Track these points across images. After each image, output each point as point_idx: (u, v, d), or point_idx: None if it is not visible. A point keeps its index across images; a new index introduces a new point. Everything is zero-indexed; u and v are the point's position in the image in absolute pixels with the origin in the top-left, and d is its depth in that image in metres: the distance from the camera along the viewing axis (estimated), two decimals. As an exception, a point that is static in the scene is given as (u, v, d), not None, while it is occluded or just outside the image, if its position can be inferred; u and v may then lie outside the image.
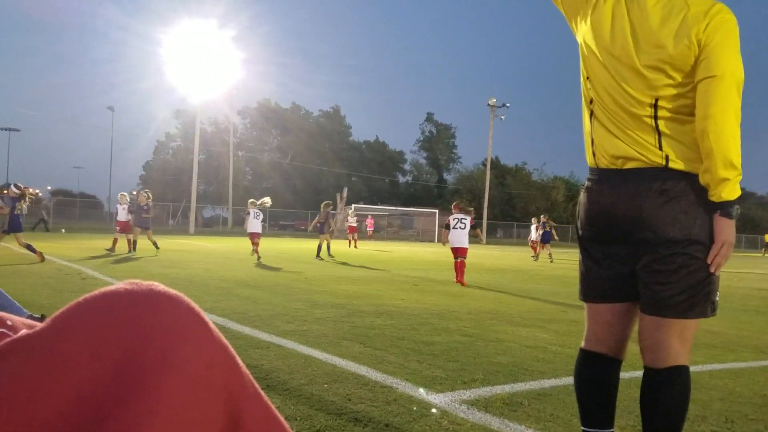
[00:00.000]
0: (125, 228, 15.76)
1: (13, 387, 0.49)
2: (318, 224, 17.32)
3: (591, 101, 2.06)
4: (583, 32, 2.07)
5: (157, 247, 15.60)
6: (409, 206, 61.65)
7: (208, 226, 57.82)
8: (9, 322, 0.89)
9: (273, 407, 0.61)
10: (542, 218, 23.17)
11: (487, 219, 50.01)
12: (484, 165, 58.88)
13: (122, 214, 16.10)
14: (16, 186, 12.72)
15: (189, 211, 39.50)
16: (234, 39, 43.67)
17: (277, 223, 56.37)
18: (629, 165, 1.95)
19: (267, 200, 16.10)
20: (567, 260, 22.14)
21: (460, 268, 10.47)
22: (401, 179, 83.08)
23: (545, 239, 22.41)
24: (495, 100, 51.32)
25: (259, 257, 14.83)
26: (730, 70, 1.81)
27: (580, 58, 2.10)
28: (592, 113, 2.07)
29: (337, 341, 4.68)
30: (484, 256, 23.68)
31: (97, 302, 0.56)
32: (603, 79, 1.98)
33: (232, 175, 49.63)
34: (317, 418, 2.81)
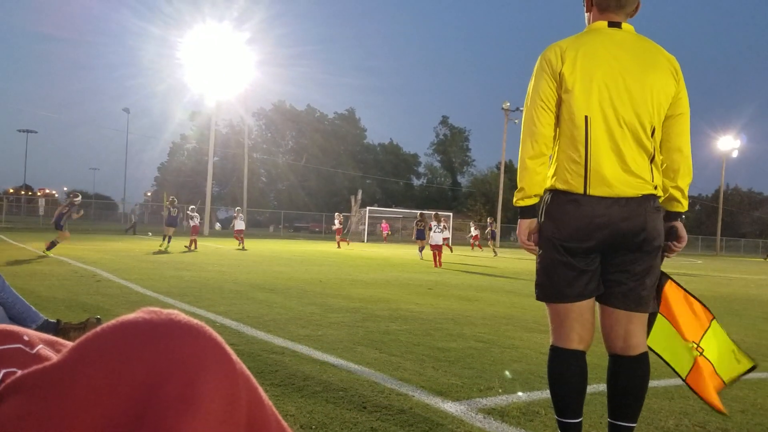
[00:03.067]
0: (196, 231, 21.48)
1: (28, 425, 0.47)
2: (418, 230, 21.79)
3: (587, 129, 2.26)
4: (583, 68, 2.27)
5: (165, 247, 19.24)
6: (423, 209, 61.50)
7: (223, 228, 58.04)
8: (26, 337, 0.87)
9: None
10: (489, 220, 32.92)
11: (501, 223, 49.75)
12: (498, 168, 58.63)
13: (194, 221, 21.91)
14: None
15: (203, 212, 39.68)
16: (249, 41, 43.70)
17: (292, 225, 56.53)
18: (636, 191, 2.25)
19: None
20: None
21: (438, 257, 17.04)
22: (415, 182, 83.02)
23: (493, 236, 31.19)
24: (509, 103, 50.98)
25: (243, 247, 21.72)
26: (689, 109, 2.34)
27: (574, 96, 2.27)
28: (588, 140, 2.26)
29: (352, 347, 4.65)
30: (498, 259, 23.57)
31: (113, 334, 0.53)
32: (618, 106, 2.23)
33: (246, 176, 49.80)
34: (332, 427, 2.79)
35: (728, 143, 59.87)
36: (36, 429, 0.47)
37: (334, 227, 30.88)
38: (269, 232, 53.92)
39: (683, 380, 2.56)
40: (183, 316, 0.56)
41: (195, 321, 0.55)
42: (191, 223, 21.97)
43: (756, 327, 7.01)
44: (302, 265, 14.39)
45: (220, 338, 0.55)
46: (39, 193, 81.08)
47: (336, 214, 31.94)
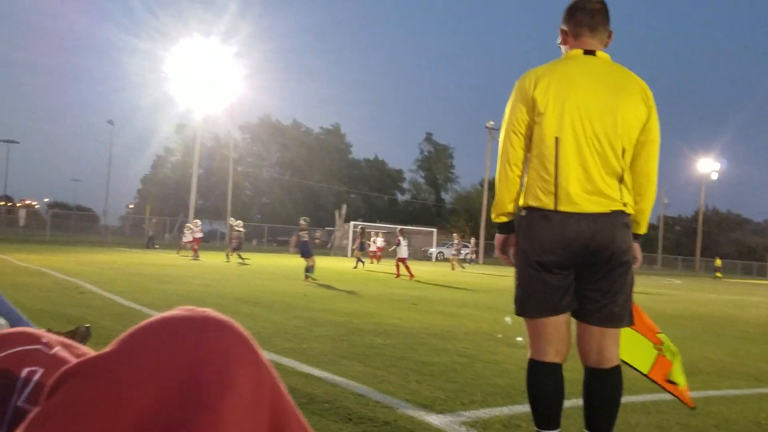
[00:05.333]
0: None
1: (82, 407, 0.55)
2: (360, 243, 24.00)
3: (556, 150, 2.36)
4: (556, 93, 2.38)
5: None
6: (407, 224, 61.71)
7: (206, 241, 57.71)
8: (44, 339, 0.94)
9: (307, 423, 0.67)
10: (454, 235, 32.73)
11: (485, 239, 50.04)
12: (481, 185, 59.06)
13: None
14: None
15: (184, 225, 39.46)
16: (236, 55, 43.74)
17: (275, 239, 56.35)
18: (604, 209, 2.35)
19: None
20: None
21: (406, 269, 18.14)
22: (400, 197, 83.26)
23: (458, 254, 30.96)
24: (493, 122, 51.64)
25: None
26: (659, 136, 2.46)
27: (545, 118, 2.38)
28: (557, 157, 2.37)
29: (336, 360, 4.71)
30: (481, 276, 23.70)
31: (158, 327, 0.62)
32: (587, 128, 2.34)
33: (231, 190, 49.73)
34: (319, 437, 2.85)
35: (708, 165, 60.86)
36: (94, 409, 0.54)
37: (185, 239, 26.20)
38: (253, 245, 53.68)
39: (645, 375, 2.70)
40: (215, 313, 0.65)
41: (226, 317, 0.64)
42: (194, 236, 23.77)
43: (733, 346, 7.15)
44: (286, 279, 14.40)
45: (246, 332, 0.64)
46: (19, 204, 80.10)
47: (187, 225, 27.58)
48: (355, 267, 22.90)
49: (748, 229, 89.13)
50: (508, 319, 2.98)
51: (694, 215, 78.49)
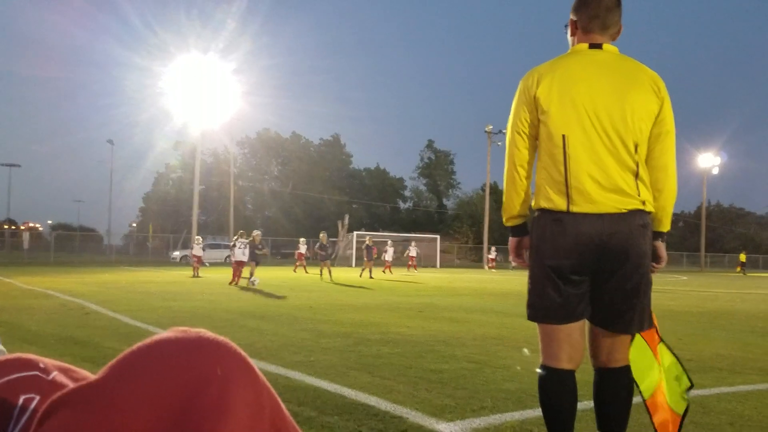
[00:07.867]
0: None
1: None
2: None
3: (565, 148, 2.29)
4: (561, 88, 2.32)
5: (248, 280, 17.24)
6: (410, 232, 61.63)
7: (209, 257, 57.58)
8: (42, 365, 0.92)
9: None
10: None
11: (488, 244, 49.95)
12: (483, 190, 59.04)
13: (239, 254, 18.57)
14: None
15: (189, 242, 39.48)
16: (234, 71, 43.79)
17: (279, 252, 56.34)
18: (621, 207, 2.27)
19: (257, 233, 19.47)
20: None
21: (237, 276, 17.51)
22: (402, 206, 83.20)
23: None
24: (492, 126, 51.61)
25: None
26: (674, 127, 2.37)
27: (551, 116, 2.33)
28: (566, 156, 2.30)
29: (345, 371, 4.68)
30: (486, 280, 23.64)
31: (150, 350, 0.59)
32: (596, 123, 2.27)
33: (232, 205, 49.78)
34: (329, 450, 2.81)
35: (709, 160, 60.77)
36: None
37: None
38: (256, 259, 53.63)
39: (644, 400, 2.45)
40: (210, 334, 0.62)
41: (222, 338, 0.62)
42: (194, 253, 23.69)
43: (742, 340, 7.10)
44: (292, 291, 14.36)
45: (243, 353, 0.61)
46: (23, 227, 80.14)
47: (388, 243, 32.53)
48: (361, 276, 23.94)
49: (751, 222, 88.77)
50: (525, 350, 2.91)
51: (696, 210, 78.25)
